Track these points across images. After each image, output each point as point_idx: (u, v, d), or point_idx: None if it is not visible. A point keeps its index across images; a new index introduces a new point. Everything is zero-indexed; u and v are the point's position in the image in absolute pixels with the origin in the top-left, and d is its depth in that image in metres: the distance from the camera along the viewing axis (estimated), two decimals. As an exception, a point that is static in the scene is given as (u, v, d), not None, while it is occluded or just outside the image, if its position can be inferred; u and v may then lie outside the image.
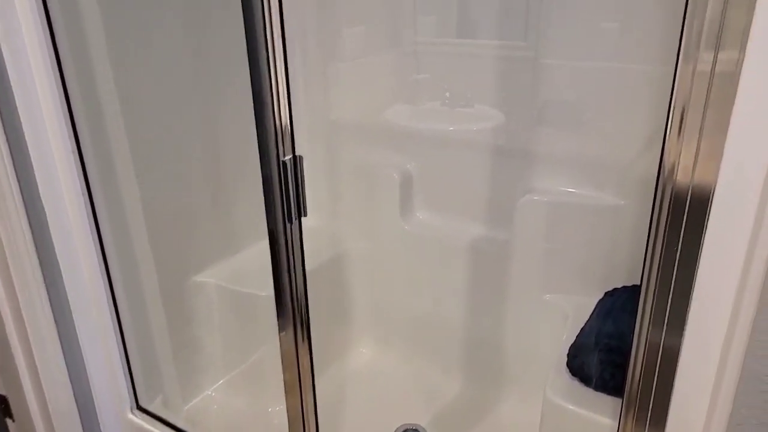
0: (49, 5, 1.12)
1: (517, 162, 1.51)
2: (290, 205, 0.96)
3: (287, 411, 1.14)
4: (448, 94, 1.61)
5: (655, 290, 0.76)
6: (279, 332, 1.10)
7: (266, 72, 0.86)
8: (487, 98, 1.55)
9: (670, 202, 0.72)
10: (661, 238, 0.74)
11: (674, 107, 0.67)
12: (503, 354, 1.63)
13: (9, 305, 1.25)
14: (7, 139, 1.16)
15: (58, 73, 1.16)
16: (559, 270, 1.47)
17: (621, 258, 1.38)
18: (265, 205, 0.95)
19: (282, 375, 1.12)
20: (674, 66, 0.65)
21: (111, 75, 1.27)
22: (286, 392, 1.13)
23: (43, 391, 1.33)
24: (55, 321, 1.32)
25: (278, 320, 1.08)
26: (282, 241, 0.99)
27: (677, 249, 0.73)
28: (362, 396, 1.71)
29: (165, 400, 1.56)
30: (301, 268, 1.03)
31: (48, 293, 1.29)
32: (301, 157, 0.94)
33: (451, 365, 1.73)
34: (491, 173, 1.56)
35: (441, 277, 1.67)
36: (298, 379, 1.12)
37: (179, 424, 1.43)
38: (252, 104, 0.89)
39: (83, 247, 1.30)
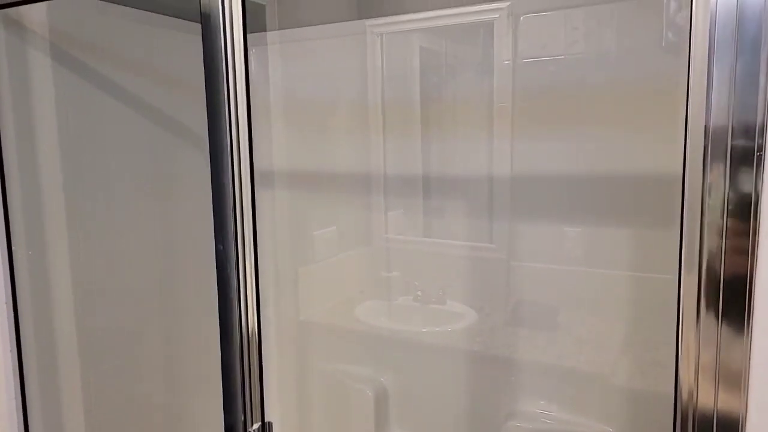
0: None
1: (495, 372, 1.45)
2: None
3: None
4: (419, 292, 1.61)
5: None
6: None
7: (239, 347, 0.79)
8: (459, 295, 1.55)
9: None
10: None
11: (683, 321, 0.58)
12: None
13: None
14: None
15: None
16: None
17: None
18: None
19: None
20: (676, 274, 0.59)
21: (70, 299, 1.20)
22: None
23: None
24: None
25: None
26: None
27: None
28: None
29: None
30: None
31: None
32: (270, 424, 0.83)
33: None
34: (470, 387, 1.49)
35: None
36: None
37: None
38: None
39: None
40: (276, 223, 1.65)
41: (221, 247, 0.77)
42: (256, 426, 0.79)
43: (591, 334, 1.36)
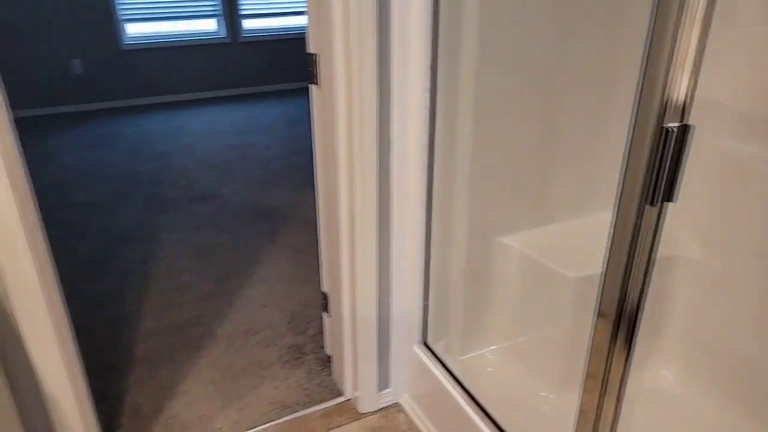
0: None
1: None
2: (657, 184, 0.80)
3: (581, 404, 1.03)
4: None
5: None
6: (595, 319, 0.98)
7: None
8: None
9: None
10: None
11: None
12: None
13: (348, 227, 1.44)
14: (380, 94, 1.29)
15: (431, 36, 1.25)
16: None
17: None
18: (622, 178, 0.82)
19: (585, 365, 1.01)
20: None
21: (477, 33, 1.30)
22: (585, 386, 1.02)
23: (355, 301, 1.52)
24: (378, 245, 1.47)
25: (598, 307, 0.96)
26: (631, 226, 0.85)
27: None
28: (651, 420, 1.47)
29: (447, 345, 1.62)
30: (646, 264, 0.87)
31: (378, 218, 1.44)
32: (692, 127, 0.77)
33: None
34: None
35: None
36: (602, 379, 0.99)
37: (454, 370, 1.47)
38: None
39: (414, 186, 1.40)
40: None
41: None
42: (674, 124, 0.75)
43: None
